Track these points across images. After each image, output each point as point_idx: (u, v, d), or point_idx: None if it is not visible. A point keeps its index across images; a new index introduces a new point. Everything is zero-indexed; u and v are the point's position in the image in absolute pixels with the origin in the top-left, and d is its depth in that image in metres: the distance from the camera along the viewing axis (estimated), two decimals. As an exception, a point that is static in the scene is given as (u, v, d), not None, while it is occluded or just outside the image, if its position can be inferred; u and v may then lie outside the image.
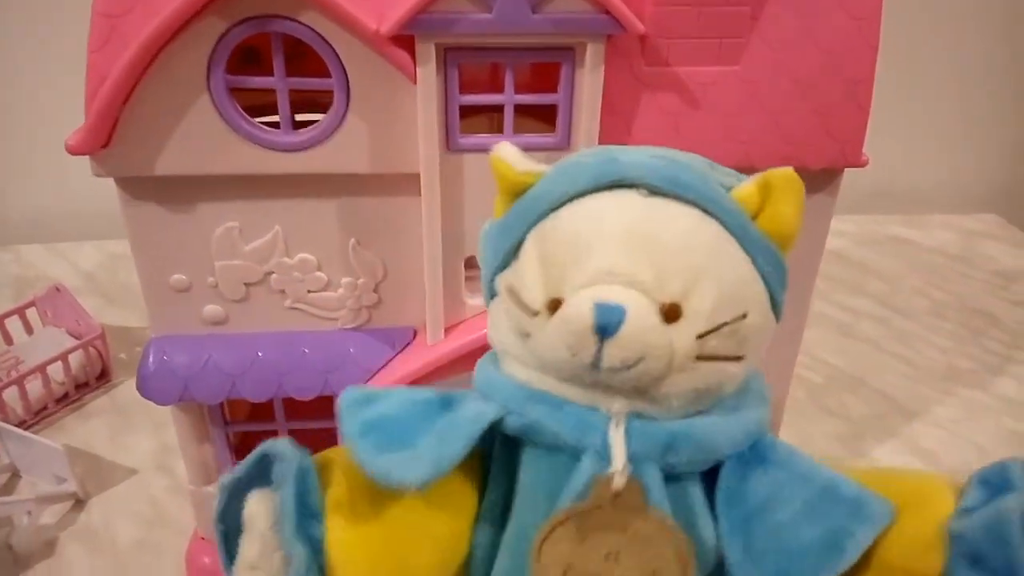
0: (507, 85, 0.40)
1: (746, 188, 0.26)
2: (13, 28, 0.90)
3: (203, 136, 0.39)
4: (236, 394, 0.46)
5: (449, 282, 0.44)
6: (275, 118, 0.40)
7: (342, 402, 0.28)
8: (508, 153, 0.29)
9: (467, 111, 0.41)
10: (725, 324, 0.24)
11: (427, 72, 0.38)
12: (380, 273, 0.45)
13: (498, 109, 0.41)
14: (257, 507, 0.26)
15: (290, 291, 0.45)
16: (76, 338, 0.71)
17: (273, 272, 0.44)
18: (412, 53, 0.38)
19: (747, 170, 0.42)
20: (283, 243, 0.44)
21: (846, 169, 0.44)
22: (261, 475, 0.27)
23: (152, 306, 0.45)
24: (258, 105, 0.45)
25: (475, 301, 0.46)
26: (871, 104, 0.42)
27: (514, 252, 0.28)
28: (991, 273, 0.96)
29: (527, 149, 0.41)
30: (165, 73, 0.38)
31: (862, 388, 0.74)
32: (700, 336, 0.24)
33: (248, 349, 0.46)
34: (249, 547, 0.25)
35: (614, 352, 0.23)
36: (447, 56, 0.38)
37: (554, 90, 0.40)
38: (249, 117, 0.40)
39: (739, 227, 0.25)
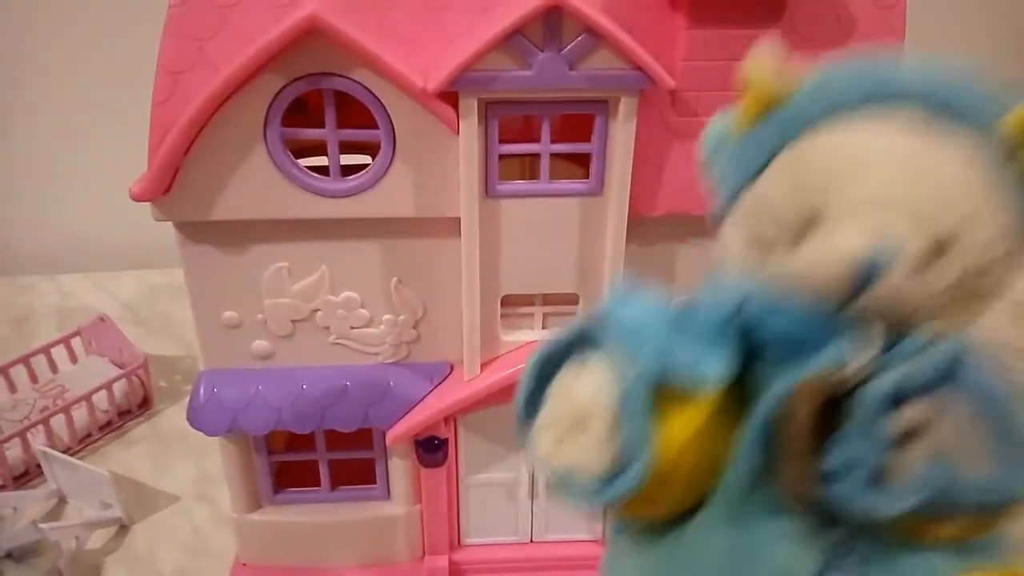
0: (544, 135, 0.42)
1: (1016, 117, 0.22)
2: (54, 64, 0.94)
3: (258, 184, 0.42)
4: (282, 426, 0.48)
5: (486, 320, 0.46)
6: (316, 160, 0.43)
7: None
8: (764, 62, 0.24)
9: (501, 155, 0.43)
10: (993, 261, 0.22)
11: (469, 125, 0.40)
12: (420, 311, 0.47)
13: (531, 153, 0.44)
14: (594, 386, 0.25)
15: (334, 327, 0.47)
16: (119, 367, 0.73)
17: (319, 310, 0.47)
18: (455, 107, 0.40)
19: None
20: (329, 282, 0.46)
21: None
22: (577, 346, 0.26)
23: (204, 341, 0.47)
24: (298, 148, 0.48)
25: (510, 338, 0.48)
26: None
27: (762, 168, 0.25)
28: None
29: (561, 195, 0.44)
30: (225, 126, 0.40)
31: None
32: (966, 272, 0.22)
33: (293, 383, 0.48)
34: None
35: (870, 300, 0.21)
36: (488, 109, 0.41)
37: (585, 134, 0.42)
38: (300, 165, 0.43)
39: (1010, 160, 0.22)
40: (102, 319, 0.75)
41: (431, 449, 0.50)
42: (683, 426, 0.24)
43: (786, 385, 0.22)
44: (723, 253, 0.27)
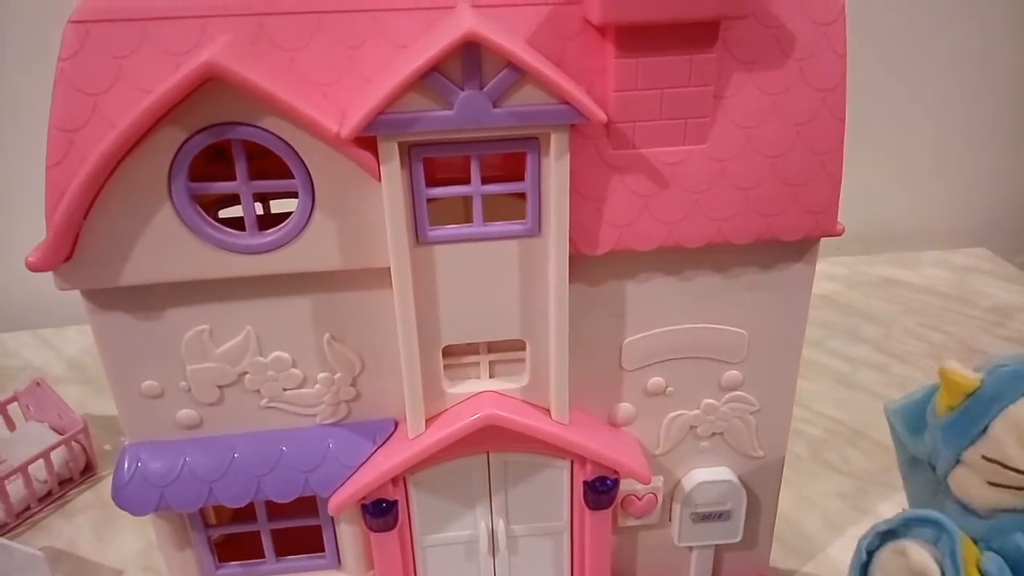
0: (473, 176, 0.39)
1: None
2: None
3: (167, 244, 0.39)
4: (214, 500, 0.44)
5: (428, 373, 0.43)
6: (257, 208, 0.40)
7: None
8: (955, 369, 0.38)
9: (441, 197, 0.40)
10: None
11: (391, 170, 0.37)
12: (357, 366, 0.44)
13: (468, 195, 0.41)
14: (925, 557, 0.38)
15: (265, 390, 0.44)
16: (59, 433, 0.69)
17: (247, 372, 0.43)
18: (375, 151, 0.37)
19: (722, 246, 0.42)
20: (255, 342, 0.43)
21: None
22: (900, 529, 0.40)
23: (124, 413, 0.44)
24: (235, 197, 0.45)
25: (456, 390, 0.45)
26: (842, 173, 0.41)
27: (981, 433, 0.37)
28: (984, 310, 0.95)
29: (499, 238, 0.41)
30: (125, 185, 0.37)
31: (864, 440, 0.73)
32: None
33: (225, 452, 0.44)
34: None
35: None
36: (411, 151, 0.38)
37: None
38: (214, 221, 0.39)
39: None
40: (38, 383, 0.71)
41: (379, 513, 0.46)
42: None
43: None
44: (961, 492, 0.40)
